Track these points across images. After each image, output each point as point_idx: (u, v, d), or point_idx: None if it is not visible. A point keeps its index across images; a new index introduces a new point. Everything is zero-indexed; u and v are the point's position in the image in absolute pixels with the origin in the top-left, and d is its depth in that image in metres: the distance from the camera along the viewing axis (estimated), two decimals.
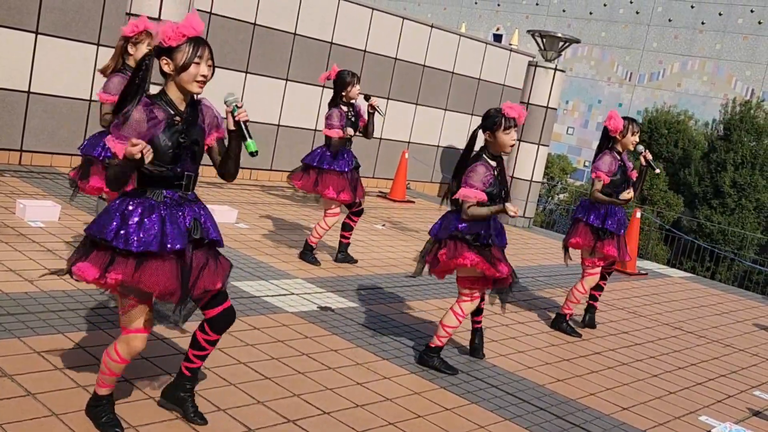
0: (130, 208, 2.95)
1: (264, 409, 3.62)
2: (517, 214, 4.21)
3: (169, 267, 2.94)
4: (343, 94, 6.35)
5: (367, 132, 6.51)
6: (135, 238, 2.88)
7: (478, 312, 4.93)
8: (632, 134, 5.67)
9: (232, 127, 3.03)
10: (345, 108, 6.37)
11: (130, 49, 4.66)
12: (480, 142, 4.47)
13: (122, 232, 2.89)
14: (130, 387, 3.53)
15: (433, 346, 4.62)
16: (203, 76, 2.96)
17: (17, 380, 3.38)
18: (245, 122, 3.02)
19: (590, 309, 6.30)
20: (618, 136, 5.72)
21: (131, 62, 4.67)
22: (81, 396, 3.35)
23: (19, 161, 8.22)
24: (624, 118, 5.71)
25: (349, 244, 6.85)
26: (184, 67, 2.93)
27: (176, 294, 2.95)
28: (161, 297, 2.96)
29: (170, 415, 3.34)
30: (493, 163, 4.43)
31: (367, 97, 6.44)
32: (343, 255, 6.81)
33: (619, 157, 5.75)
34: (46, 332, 3.95)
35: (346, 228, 6.75)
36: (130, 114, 2.90)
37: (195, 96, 3.07)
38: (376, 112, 6.42)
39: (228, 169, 3.16)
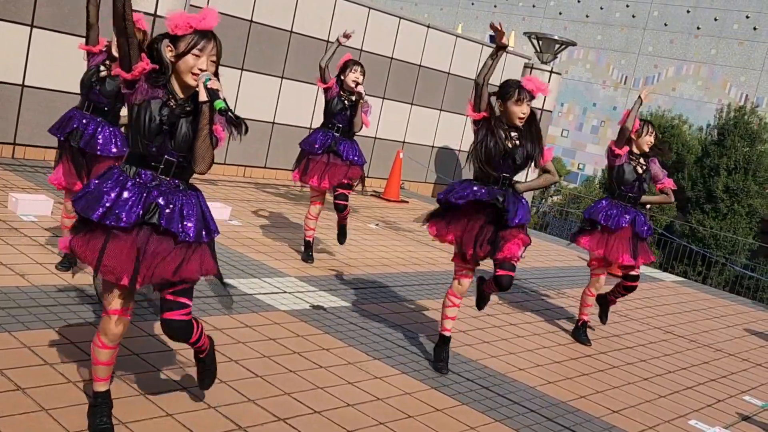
0: (105, 178, 2.96)
1: (255, 408, 3.62)
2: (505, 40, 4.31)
3: (115, 244, 2.87)
4: (342, 78, 6.36)
5: (351, 123, 6.35)
6: (83, 203, 2.91)
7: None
8: (648, 135, 5.67)
9: (204, 98, 2.90)
10: (342, 94, 6.37)
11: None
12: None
13: (84, 197, 2.93)
14: (120, 383, 3.52)
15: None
16: (200, 69, 2.92)
17: (7, 375, 3.37)
18: (217, 90, 2.91)
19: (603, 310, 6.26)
20: (633, 136, 5.71)
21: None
22: (71, 391, 3.35)
23: (12, 155, 8.19)
24: (641, 120, 5.72)
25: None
26: (182, 55, 2.92)
27: (118, 273, 2.87)
28: (103, 273, 2.88)
29: (161, 412, 3.34)
30: (502, 134, 4.38)
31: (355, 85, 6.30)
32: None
33: (632, 157, 5.73)
34: (36, 327, 3.94)
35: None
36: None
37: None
38: (362, 101, 6.26)
39: (197, 151, 2.92)
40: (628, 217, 5.69)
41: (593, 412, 4.55)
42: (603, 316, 6.31)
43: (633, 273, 5.95)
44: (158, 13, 6.35)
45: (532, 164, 4.47)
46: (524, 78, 4.41)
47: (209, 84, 2.91)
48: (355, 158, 6.40)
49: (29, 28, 8.06)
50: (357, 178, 6.46)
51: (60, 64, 8.35)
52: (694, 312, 8.11)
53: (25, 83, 8.17)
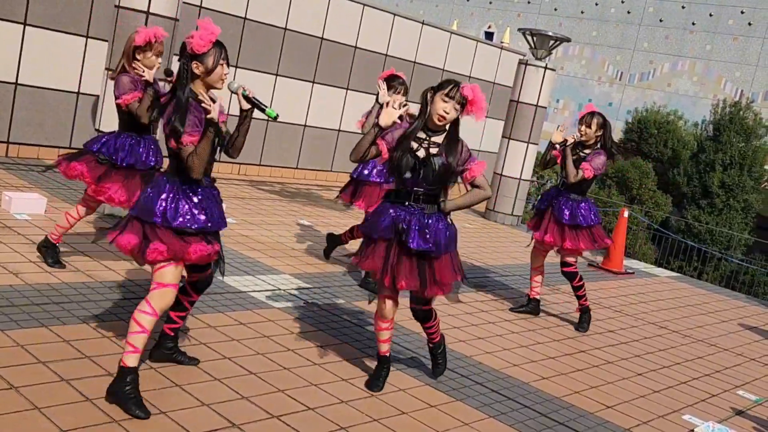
0: (191, 194, 3.41)
1: (248, 405, 3.62)
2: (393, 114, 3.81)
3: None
4: None
5: None
6: (199, 218, 3.41)
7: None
8: (579, 123, 6.03)
9: (246, 106, 3.46)
10: None
11: (139, 56, 4.81)
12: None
13: (190, 212, 3.40)
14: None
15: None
16: (226, 74, 3.44)
17: (0, 373, 3.36)
18: (254, 96, 3.46)
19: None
20: None
21: (138, 67, 4.83)
22: (64, 389, 3.34)
23: (5, 153, 8.16)
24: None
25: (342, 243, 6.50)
26: (213, 69, 3.40)
27: (212, 256, 3.51)
28: (201, 261, 3.48)
29: (154, 410, 3.33)
30: (421, 135, 3.92)
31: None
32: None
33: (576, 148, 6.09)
34: (29, 325, 3.93)
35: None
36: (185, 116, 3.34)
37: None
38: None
39: (237, 145, 3.55)
40: (553, 202, 6.04)
41: (587, 407, 4.56)
42: (583, 325, 6.24)
43: (565, 260, 6.12)
44: (151, 10, 6.35)
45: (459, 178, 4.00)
46: (467, 84, 3.93)
47: (249, 92, 3.44)
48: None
49: (22, 26, 8.04)
50: None
51: (53, 62, 8.33)
52: (689, 307, 8.12)
53: (19, 81, 8.15)
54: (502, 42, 14.59)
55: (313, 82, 10.93)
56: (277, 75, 10.51)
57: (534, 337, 5.78)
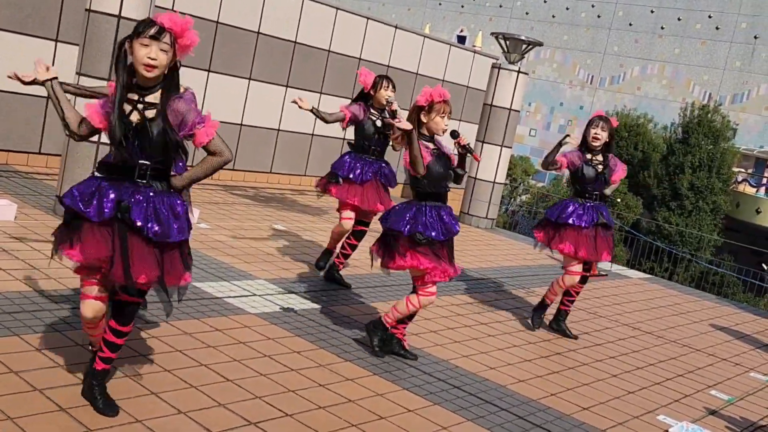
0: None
1: (225, 412, 3.58)
2: None
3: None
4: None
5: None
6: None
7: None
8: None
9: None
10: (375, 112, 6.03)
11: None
12: None
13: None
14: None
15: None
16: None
17: None
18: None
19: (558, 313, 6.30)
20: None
21: None
22: (37, 399, 3.28)
23: None
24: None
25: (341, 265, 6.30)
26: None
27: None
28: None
29: (129, 418, 3.29)
30: (133, 95, 3.14)
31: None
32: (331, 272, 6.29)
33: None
34: (0, 334, 3.86)
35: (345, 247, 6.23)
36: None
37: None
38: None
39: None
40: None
41: (564, 409, 4.59)
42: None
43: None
44: (123, 14, 6.28)
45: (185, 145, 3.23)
46: (160, 14, 3.14)
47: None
48: None
49: None
50: None
51: (21, 67, 8.19)
52: (661, 308, 8.21)
53: None
54: (474, 46, 14.66)
55: (287, 86, 10.90)
56: (250, 79, 10.46)
57: (510, 340, 5.80)
